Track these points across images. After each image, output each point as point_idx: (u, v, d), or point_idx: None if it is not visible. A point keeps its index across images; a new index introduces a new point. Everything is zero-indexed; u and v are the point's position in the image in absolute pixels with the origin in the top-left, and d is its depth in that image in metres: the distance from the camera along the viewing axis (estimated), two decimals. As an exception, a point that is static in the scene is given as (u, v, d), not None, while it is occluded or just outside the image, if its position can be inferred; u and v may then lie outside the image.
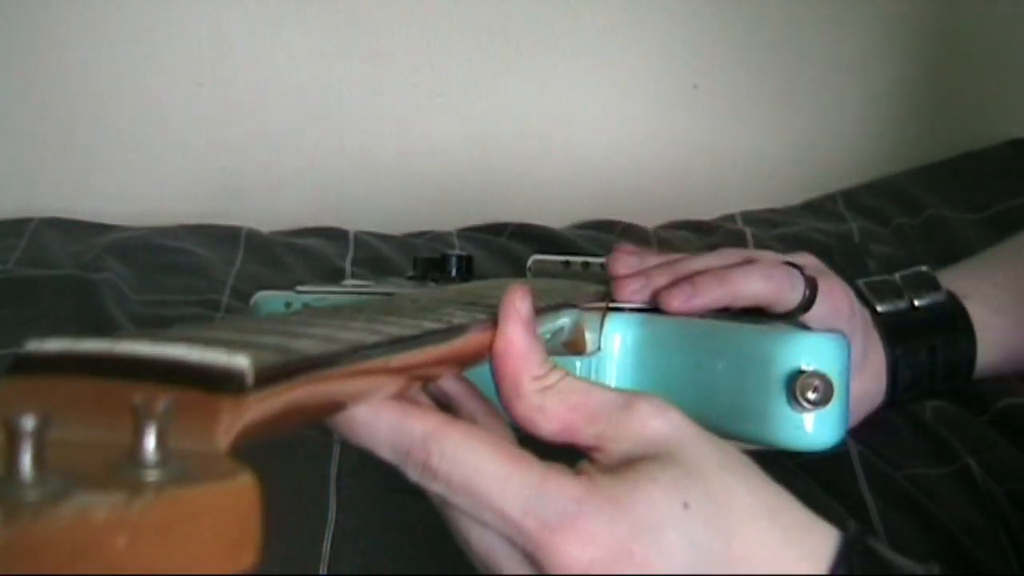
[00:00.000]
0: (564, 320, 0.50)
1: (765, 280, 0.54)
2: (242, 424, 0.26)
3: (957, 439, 0.73)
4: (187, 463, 0.24)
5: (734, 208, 1.20)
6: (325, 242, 1.10)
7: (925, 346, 0.63)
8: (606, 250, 1.06)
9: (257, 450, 0.78)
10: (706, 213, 1.20)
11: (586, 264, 0.72)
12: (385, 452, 0.35)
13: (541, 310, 0.45)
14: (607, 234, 1.13)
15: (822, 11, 1.30)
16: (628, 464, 0.36)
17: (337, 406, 0.32)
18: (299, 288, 0.59)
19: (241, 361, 0.26)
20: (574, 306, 0.51)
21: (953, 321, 0.65)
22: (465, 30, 1.25)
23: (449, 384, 0.40)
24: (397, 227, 1.16)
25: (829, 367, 0.47)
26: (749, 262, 0.56)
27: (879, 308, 0.64)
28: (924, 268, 0.67)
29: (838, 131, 1.32)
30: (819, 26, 1.31)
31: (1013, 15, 1.31)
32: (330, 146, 1.24)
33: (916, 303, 0.64)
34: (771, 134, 1.31)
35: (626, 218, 1.17)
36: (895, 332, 0.63)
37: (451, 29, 1.24)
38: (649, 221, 1.17)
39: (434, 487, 0.35)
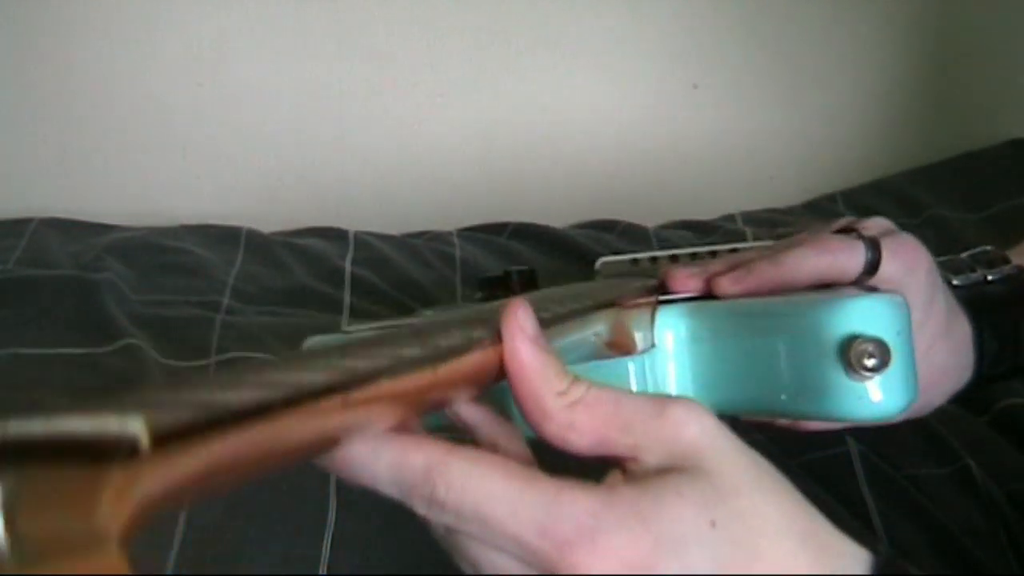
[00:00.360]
0: (600, 322, 0.48)
1: (819, 254, 0.52)
2: (139, 496, 0.23)
3: (957, 439, 0.73)
4: (49, 546, 0.21)
5: (734, 208, 1.20)
6: (325, 242, 1.10)
7: (1009, 317, 0.60)
8: (607, 249, 1.07)
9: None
10: (706, 213, 1.20)
11: (654, 259, 0.71)
12: (388, 489, 0.34)
13: (565, 316, 0.44)
14: (607, 234, 1.13)
15: (822, 11, 1.30)
16: (657, 475, 0.34)
17: (301, 451, 0.29)
18: (347, 328, 0.57)
19: (133, 425, 0.23)
20: (611, 305, 0.49)
21: None
22: (465, 30, 1.25)
23: (464, 410, 0.38)
24: (397, 227, 1.16)
25: (882, 330, 0.44)
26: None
27: (954, 281, 0.61)
28: (989, 248, 0.64)
29: (838, 131, 1.32)
30: (819, 26, 1.31)
31: (1013, 15, 1.31)
32: (330, 146, 1.24)
33: (989, 277, 0.61)
34: (771, 134, 1.31)
35: (626, 218, 1.17)
36: (975, 304, 0.60)
37: (451, 29, 1.24)
38: (649, 221, 1.17)
39: (443, 519, 0.34)
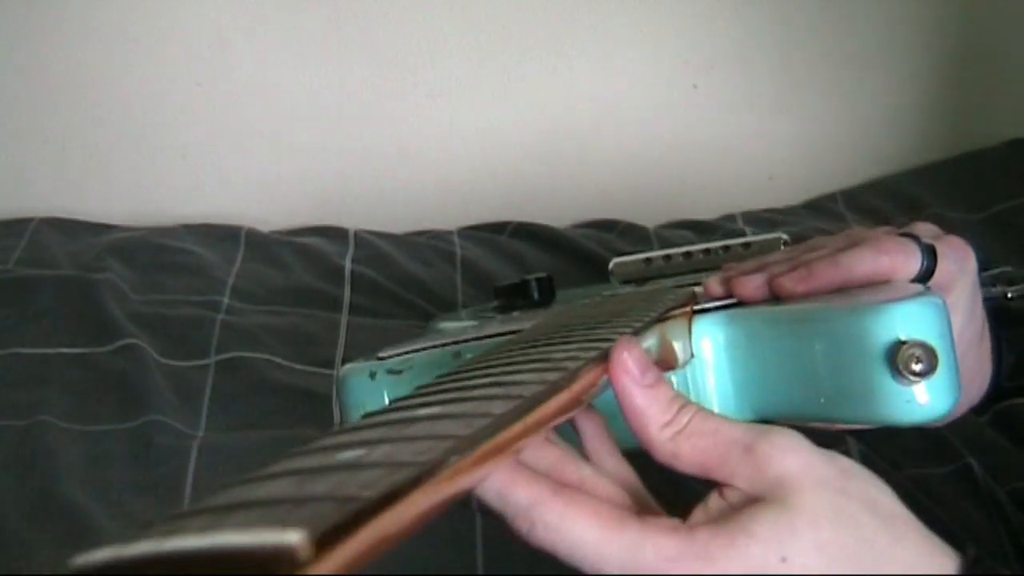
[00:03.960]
0: (650, 340, 0.47)
1: (876, 255, 0.53)
2: None
3: (958, 439, 0.73)
4: None
5: (734, 208, 1.20)
6: (325, 241, 1.10)
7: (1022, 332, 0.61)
8: (608, 249, 1.07)
9: (258, 450, 0.78)
10: (706, 213, 1.20)
11: (667, 257, 0.71)
12: (491, 503, 0.37)
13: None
14: (607, 233, 1.13)
15: (822, 12, 1.30)
16: (736, 512, 0.36)
17: (441, 507, 0.30)
18: (380, 355, 0.56)
19: (291, 537, 0.23)
20: (656, 320, 0.48)
21: None
22: (465, 30, 1.24)
23: (580, 418, 0.41)
24: (397, 226, 1.16)
25: (929, 333, 0.44)
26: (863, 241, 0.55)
27: (1009, 294, 0.62)
28: (1010, 268, 0.65)
29: (838, 131, 1.32)
30: (819, 26, 1.31)
31: (1014, 15, 1.31)
32: (330, 146, 1.24)
33: (1009, 295, 0.62)
34: (771, 134, 1.31)
35: (626, 218, 1.17)
36: (994, 317, 0.61)
37: (451, 29, 1.24)
38: (649, 221, 1.17)
39: (539, 547, 0.37)
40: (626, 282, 0.71)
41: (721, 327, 0.49)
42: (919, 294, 0.46)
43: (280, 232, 1.14)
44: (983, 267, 0.61)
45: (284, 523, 0.23)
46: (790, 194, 1.26)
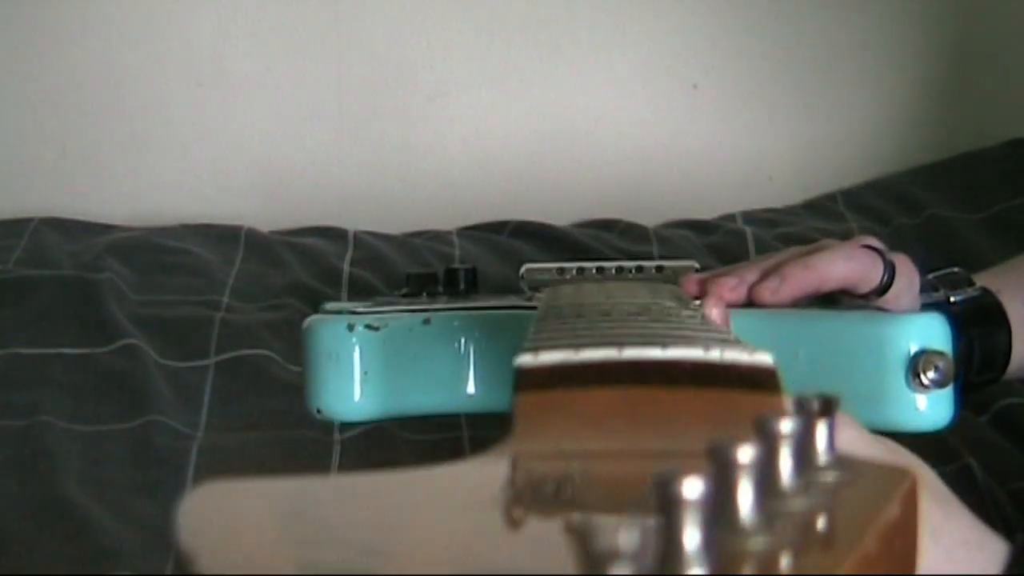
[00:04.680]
0: None
1: (847, 261, 0.55)
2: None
3: (957, 439, 0.73)
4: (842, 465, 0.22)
5: (734, 208, 1.20)
6: (325, 241, 1.10)
7: (963, 336, 0.62)
8: (606, 248, 1.06)
9: (258, 450, 0.78)
10: (706, 213, 1.20)
11: (581, 270, 0.71)
12: None
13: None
14: (607, 233, 1.13)
15: (822, 11, 1.30)
16: None
17: None
18: (354, 309, 0.59)
19: (766, 359, 0.26)
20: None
21: (989, 314, 0.65)
22: (465, 30, 1.24)
23: None
24: (397, 226, 1.16)
25: (945, 346, 0.47)
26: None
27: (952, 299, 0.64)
28: (956, 269, 0.67)
29: (838, 131, 1.32)
30: (819, 26, 1.30)
31: (1013, 15, 1.31)
32: (330, 146, 1.24)
33: (952, 299, 0.64)
34: (771, 134, 1.31)
35: (626, 218, 1.17)
36: (970, 316, 0.63)
37: (451, 29, 1.24)
38: (649, 221, 1.17)
39: None
40: (534, 289, 0.72)
41: (734, 322, 0.51)
42: (929, 310, 0.50)
43: (280, 232, 1.14)
44: (925, 270, 0.64)
45: (750, 349, 0.26)
46: (790, 194, 1.26)
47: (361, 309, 0.58)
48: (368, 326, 0.57)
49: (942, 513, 0.37)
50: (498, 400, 0.57)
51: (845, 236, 1.08)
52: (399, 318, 0.58)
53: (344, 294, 0.99)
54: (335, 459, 0.71)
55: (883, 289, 0.55)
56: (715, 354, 0.25)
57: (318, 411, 0.58)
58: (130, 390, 0.80)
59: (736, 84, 1.29)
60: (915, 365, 0.46)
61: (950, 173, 1.20)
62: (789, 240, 1.08)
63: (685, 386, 0.25)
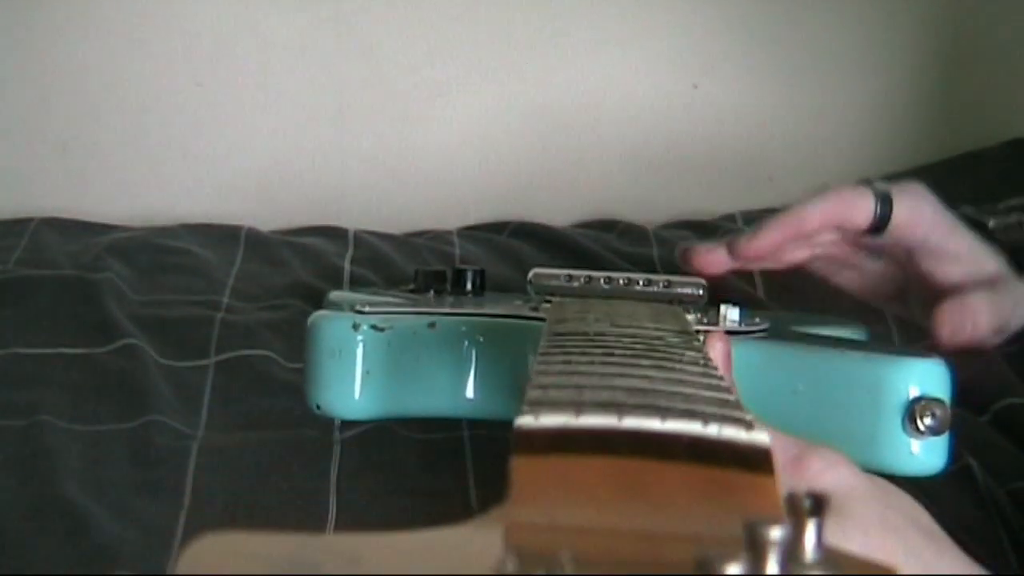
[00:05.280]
0: None
1: (827, 200, 0.53)
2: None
3: (958, 438, 0.73)
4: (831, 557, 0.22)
5: (734, 208, 1.20)
6: (325, 241, 1.10)
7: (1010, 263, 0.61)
8: (607, 249, 1.06)
9: (258, 450, 0.78)
10: (706, 213, 1.20)
11: (589, 279, 0.71)
12: None
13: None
14: (607, 233, 1.13)
15: (823, 12, 1.30)
16: None
17: None
18: (359, 308, 0.58)
19: (762, 438, 0.26)
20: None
21: None
22: (465, 30, 1.25)
23: None
24: (397, 226, 1.16)
25: (944, 393, 0.47)
26: None
27: (990, 223, 0.62)
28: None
29: (838, 131, 1.32)
30: (819, 26, 1.31)
31: (1014, 15, 1.31)
32: (330, 146, 1.24)
33: (991, 223, 0.63)
34: (771, 135, 1.31)
35: (626, 218, 1.17)
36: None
37: (451, 29, 1.24)
38: (649, 221, 1.17)
39: None
40: (540, 294, 0.72)
41: (737, 350, 0.51)
42: (932, 356, 0.49)
43: (280, 232, 1.14)
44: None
45: (749, 427, 0.26)
46: (790, 194, 1.25)
47: (368, 309, 0.58)
48: (373, 326, 0.57)
49: (933, 550, 0.38)
50: (499, 407, 0.57)
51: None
52: (404, 320, 0.58)
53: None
54: (335, 459, 0.71)
55: (880, 221, 0.53)
56: (713, 430, 0.26)
57: (317, 407, 0.58)
58: (130, 390, 0.80)
59: (736, 84, 1.29)
60: (912, 411, 0.46)
61: (950, 173, 1.20)
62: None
63: (681, 461, 0.25)
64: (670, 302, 0.72)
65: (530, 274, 0.73)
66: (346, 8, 1.22)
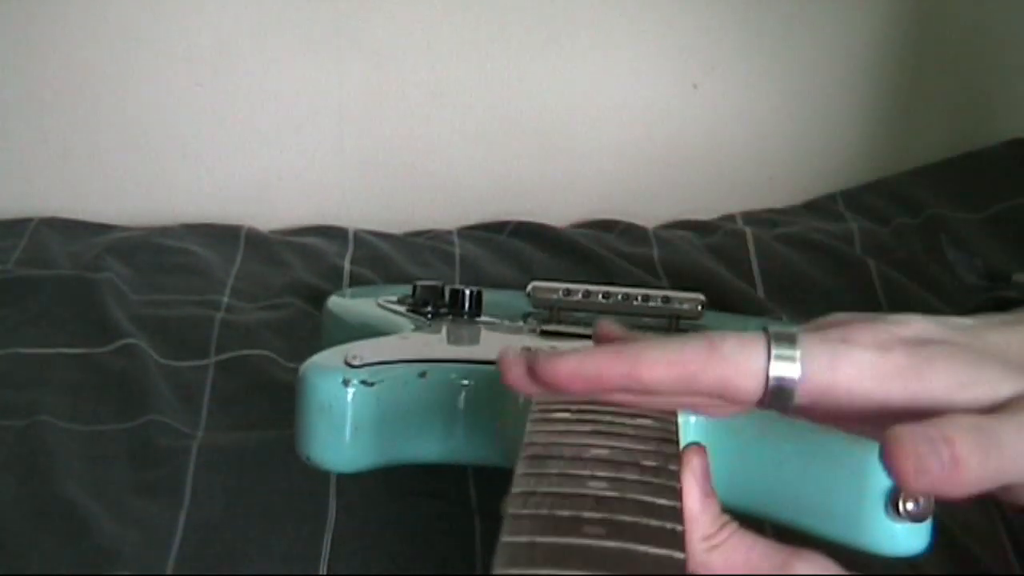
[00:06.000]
0: None
1: (668, 366, 0.38)
2: None
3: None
4: None
5: (734, 208, 1.20)
6: (325, 241, 1.10)
7: None
8: (607, 249, 1.06)
9: (258, 450, 0.78)
10: (706, 213, 1.20)
11: (587, 293, 0.71)
12: None
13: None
14: (607, 234, 1.13)
15: (822, 11, 1.30)
16: None
17: None
18: (350, 362, 0.58)
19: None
20: None
21: None
22: (465, 30, 1.24)
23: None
24: (397, 226, 1.16)
25: None
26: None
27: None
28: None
29: (838, 131, 1.32)
30: (819, 26, 1.31)
31: (1014, 15, 1.31)
32: (330, 146, 1.24)
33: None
34: (771, 134, 1.31)
35: (626, 218, 1.17)
36: None
37: (451, 29, 1.24)
38: (649, 221, 1.17)
39: None
40: (538, 307, 0.72)
41: (724, 422, 0.49)
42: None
43: (280, 232, 1.14)
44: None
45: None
46: (790, 194, 1.26)
47: (358, 362, 0.57)
48: (363, 381, 0.56)
49: None
50: (492, 453, 0.57)
51: (845, 236, 1.09)
52: (395, 371, 0.57)
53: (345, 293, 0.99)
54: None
55: (778, 396, 0.38)
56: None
57: (308, 458, 0.58)
58: (130, 390, 0.80)
59: (736, 84, 1.29)
60: (895, 496, 0.46)
61: (950, 173, 1.20)
62: (789, 240, 1.08)
63: None
64: (668, 317, 0.71)
65: (529, 287, 0.73)
66: (346, 8, 1.22)
